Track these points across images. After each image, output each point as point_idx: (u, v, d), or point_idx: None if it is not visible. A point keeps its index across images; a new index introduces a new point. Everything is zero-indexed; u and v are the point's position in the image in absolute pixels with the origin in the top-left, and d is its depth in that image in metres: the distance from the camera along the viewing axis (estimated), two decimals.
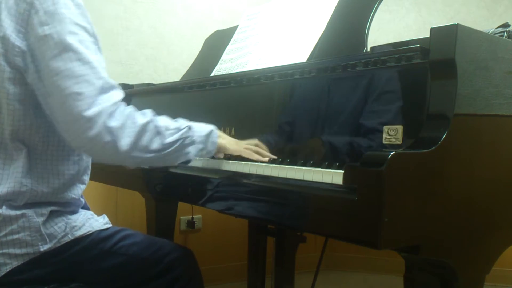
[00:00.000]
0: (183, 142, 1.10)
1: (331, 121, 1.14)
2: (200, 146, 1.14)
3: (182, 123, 1.13)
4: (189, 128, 1.13)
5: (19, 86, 1.02)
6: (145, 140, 1.03)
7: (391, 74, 1.03)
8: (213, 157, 1.25)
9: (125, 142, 1.00)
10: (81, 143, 0.99)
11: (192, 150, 1.13)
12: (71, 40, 0.97)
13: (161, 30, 2.48)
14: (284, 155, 1.21)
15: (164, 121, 1.09)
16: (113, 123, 0.98)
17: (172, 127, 1.10)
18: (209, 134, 1.16)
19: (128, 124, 1.01)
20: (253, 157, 1.20)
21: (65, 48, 0.97)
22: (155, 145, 1.05)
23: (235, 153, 1.22)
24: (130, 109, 1.03)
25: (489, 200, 1.00)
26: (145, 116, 1.05)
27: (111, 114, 0.98)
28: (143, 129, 1.03)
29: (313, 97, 1.20)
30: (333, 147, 1.12)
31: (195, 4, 2.55)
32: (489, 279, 1.03)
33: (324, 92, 1.18)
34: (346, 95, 1.12)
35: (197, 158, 1.19)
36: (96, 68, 0.99)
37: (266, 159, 1.20)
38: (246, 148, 1.22)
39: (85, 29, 1.01)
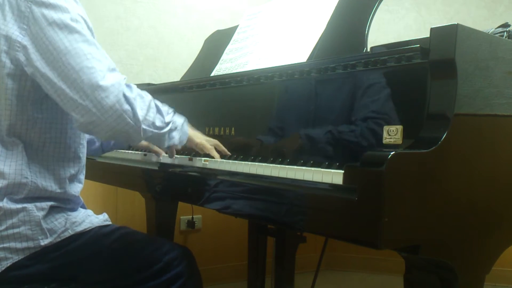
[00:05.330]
0: (172, 126, 1.16)
1: (332, 120, 1.14)
2: (180, 133, 1.20)
3: (167, 108, 1.18)
4: (174, 113, 1.19)
5: (17, 82, 1.05)
6: (151, 116, 1.08)
7: (393, 74, 1.03)
8: (196, 153, 1.31)
9: (140, 113, 1.03)
10: (97, 113, 0.98)
11: (175, 135, 1.18)
12: (75, 25, 1.01)
13: (161, 30, 2.48)
14: (284, 155, 1.21)
15: (158, 102, 1.14)
16: (129, 93, 1.01)
17: (165, 108, 1.15)
18: (183, 124, 1.22)
19: (139, 98, 1.05)
20: (213, 154, 1.28)
21: (71, 31, 1.00)
22: (158, 122, 1.10)
23: (199, 146, 1.29)
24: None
25: (489, 200, 1.00)
26: (147, 94, 1.10)
27: (127, 85, 1.02)
28: (150, 105, 1.08)
29: (313, 97, 1.20)
30: (335, 147, 1.12)
31: (195, 4, 2.55)
32: (489, 279, 1.03)
33: (325, 92, 1.18)
34: (347, 94, 1.12)
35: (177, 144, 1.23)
36: (101, 50, 1.03)
37: (219, 156, 1.28)
38: (207, 142, 1.30)
39: (85, 21, 1.06)
